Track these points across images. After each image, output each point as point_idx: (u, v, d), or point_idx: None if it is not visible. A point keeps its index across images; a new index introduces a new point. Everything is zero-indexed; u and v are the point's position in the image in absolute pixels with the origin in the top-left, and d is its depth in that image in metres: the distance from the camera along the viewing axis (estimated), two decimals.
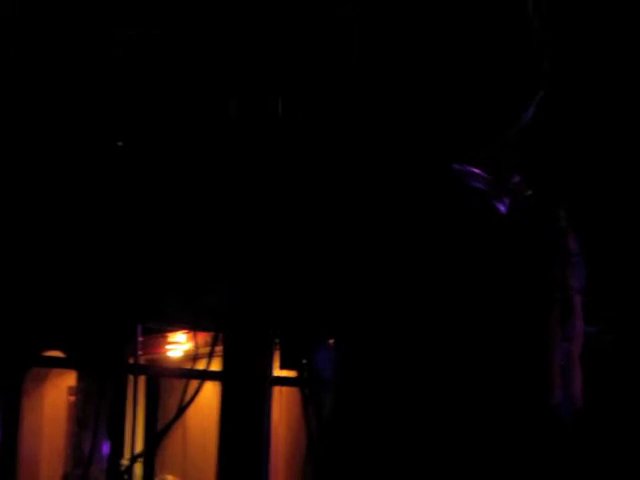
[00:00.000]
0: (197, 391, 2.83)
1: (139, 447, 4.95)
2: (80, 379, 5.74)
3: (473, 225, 1.94)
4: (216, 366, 2.85)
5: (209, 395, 3.46)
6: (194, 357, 3.15)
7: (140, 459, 4.83)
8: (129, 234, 2.77)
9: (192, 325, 2.91)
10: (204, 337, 3.15)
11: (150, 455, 5.09)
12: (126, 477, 4.58)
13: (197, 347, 3.13)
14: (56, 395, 8.18)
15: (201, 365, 3.07)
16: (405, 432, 1.89)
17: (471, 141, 2.01)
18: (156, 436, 4.38)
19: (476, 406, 1.89)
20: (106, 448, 4.50)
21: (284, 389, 4.14)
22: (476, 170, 2.01)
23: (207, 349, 2.95)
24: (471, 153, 2.01)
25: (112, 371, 3.93)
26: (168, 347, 6.26)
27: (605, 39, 4.16)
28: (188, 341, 5.65)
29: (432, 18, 2.10)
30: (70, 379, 7.21)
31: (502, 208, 2.00)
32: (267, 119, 2.41)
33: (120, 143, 2.66)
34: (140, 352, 4.48)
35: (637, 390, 3.14)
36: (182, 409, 2.89)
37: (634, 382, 3.14)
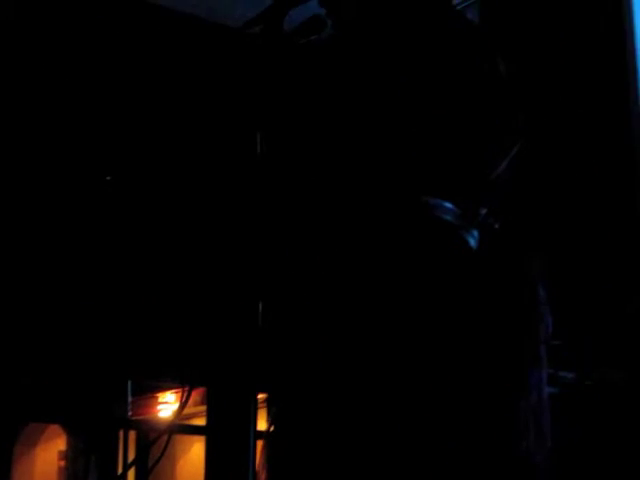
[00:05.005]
0: (167, 443, 2.85)
1: None
2: (70, 439, 5.74)
3: (443, 258, 1.97)
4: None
5: (200, 454, 3.47)
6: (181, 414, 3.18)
7: None
8: (117, 290, 2.79)
9: (179, 381, 2.94)
10: (193, 397, 3.19)
11: None
12: None
13: (184, 405, 3.16)
14: (47, 459, 8.15)
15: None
16: None
17: (444, 180, 2.04)
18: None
19: (445, 454, 1.91)
20: None
21: None
22: (446, 203, 2.04)
23: (196, 408, 2.98)
24: (441, 187, 2.04)
25: (101, 429, 3.94)
26: (159, 407, 6.28)
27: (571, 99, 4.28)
28: (177, 401, 5.66)
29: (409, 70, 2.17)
30: (60, 443, 7.19)
31: (472, 242, 2.03)
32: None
33: (108, 177, 2.68)
34: (130, 412, 4.50)
35: (616, 436, 3.18)
36: (157, 461, 2.91)
37: (613, 428, 3.19)
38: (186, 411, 3.15)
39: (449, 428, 1.90)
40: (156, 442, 2.91)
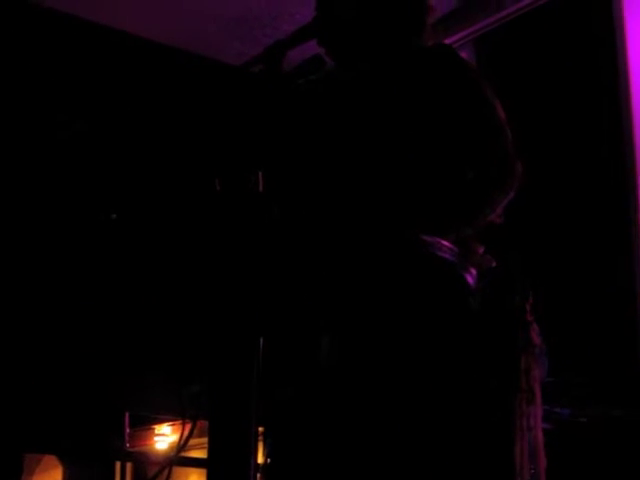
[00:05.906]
0: (168, 477, 2.87)
1: None
2: (66, 470, 5.71)
3: (441, 296, 2.01)
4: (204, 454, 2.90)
5: None
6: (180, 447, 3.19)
7: None
8: (115, 319, 2.80)
9: (178, 413, 2.96)
10: (188, 430, 3.20)
11: None
12: None
13: (188, 438, 3.18)
14: None
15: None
16: None
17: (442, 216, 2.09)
18: None
19: None
20: None
21: None
22: (444, 242, 2.08)
23: (195, 440, 2.99)
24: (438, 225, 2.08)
25: (99, 460, 3.94)
26: (155, 439, 6.28)
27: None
28: (174, 433, 5.68)
29: None
30: (57, 474, 7.16)
31: (469, 279, 2.08)
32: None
33: (114, 215, 2.68)
34: (127, 444, 4.50)
35: (611, 473, 3.20)
36: None
37: (608, 462, 3.20)
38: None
39: (446, 468, 1.93)
40: (157, 477, 2.93)
